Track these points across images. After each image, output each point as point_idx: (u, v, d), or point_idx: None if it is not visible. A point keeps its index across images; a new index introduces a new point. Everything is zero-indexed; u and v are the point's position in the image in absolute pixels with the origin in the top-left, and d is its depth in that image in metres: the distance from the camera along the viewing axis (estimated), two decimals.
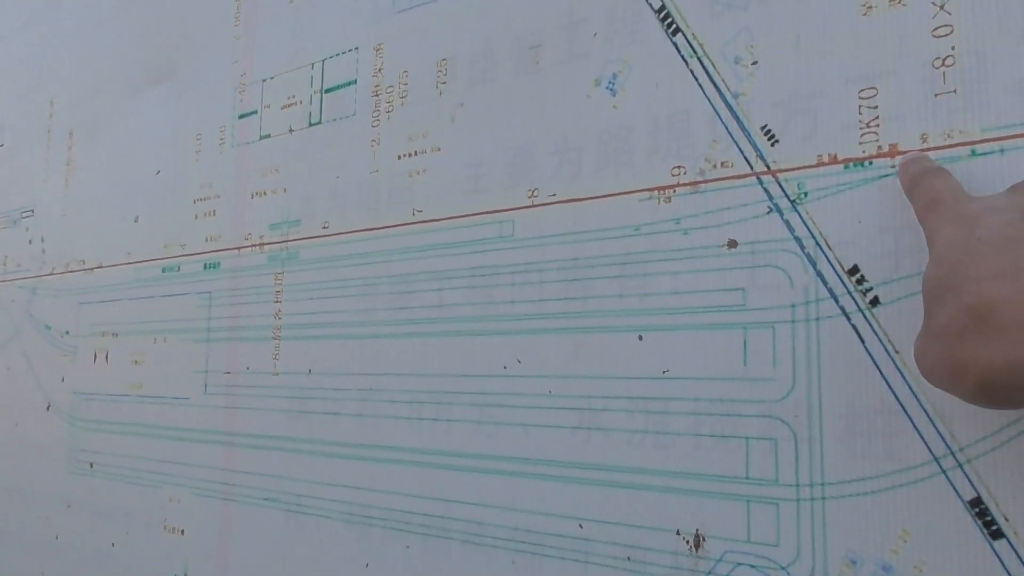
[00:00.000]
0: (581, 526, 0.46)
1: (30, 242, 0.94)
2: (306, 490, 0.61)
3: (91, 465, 0.81)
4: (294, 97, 0.68)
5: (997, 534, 0.34)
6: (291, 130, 0.67)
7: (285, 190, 0.67)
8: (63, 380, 0.86)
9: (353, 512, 0.57)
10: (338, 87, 0.64)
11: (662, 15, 0.47)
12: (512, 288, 0.51)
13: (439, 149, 0.57)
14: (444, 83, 0.57)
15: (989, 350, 0.26)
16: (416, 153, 0.58)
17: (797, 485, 0.39)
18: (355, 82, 0.63)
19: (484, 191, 0.54)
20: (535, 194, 0.51)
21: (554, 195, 0.50)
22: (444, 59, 0.57)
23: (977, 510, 0.34)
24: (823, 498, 0.38)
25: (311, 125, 0.66)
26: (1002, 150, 0.35)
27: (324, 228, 0.63)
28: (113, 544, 0.77)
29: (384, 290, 0.58)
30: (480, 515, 0.50)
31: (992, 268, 0.27)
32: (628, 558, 0.44)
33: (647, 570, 0.43)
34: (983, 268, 0.27)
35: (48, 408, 0.88)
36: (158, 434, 0.74)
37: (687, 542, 0.42)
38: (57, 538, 0.84)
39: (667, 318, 0.44)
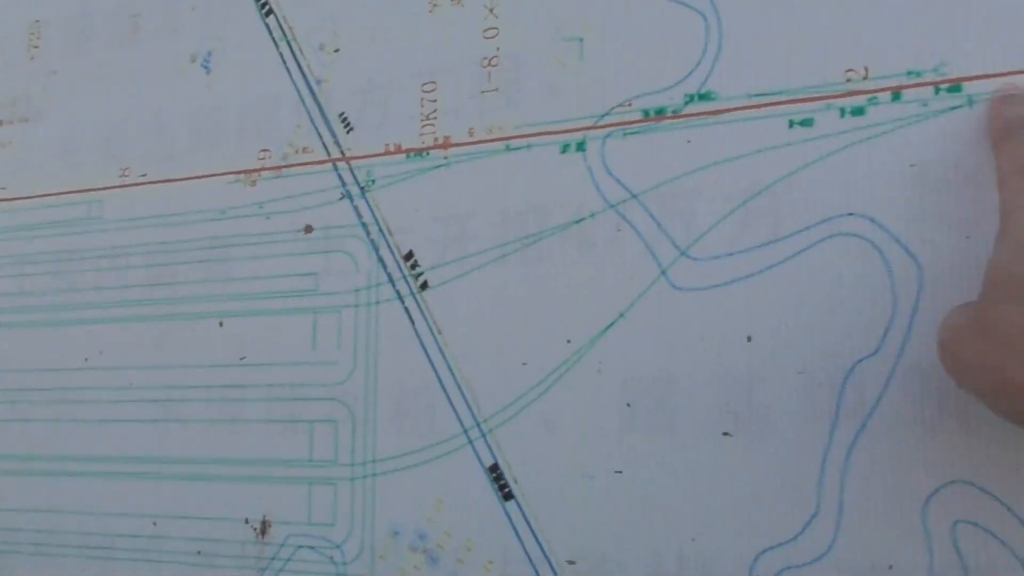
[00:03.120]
0: (155, 524, 0.51)
1: None
2: None
3: None
4: None
5: (508, 496, 0.43)
6: None
7: None
8: None
9: None
10: None
11: None
12: (97, 274, 0.55)
13: (27, 120, 0.60)
14: (36, 47, 0.61)
15: None
16: (1, 123, 0.61)
17: (352, 464, 0.47)
18: None
19: (75, 168, 0.57)
20: (127, 173, 0.56)
21: (145, 175, 0.55)
22: (38, 20, 0.61)
23: (494, 475, 0.44)
24: (374, 475, 0.46)
25: None
26: (529, 146, 0.45)
27: None
28: None
29: None
30: (52, 523, 0.54)
31: None
32: (199, 552, 0.50)
33: (215, 562, 0.49)
34: None
35: None
36: None
37: (255, 530, 0.49)
38: None
39: (246, 303, 0.51)
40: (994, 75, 0.38)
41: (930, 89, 0.39)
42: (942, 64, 0.39)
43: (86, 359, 0.55)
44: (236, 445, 0.50)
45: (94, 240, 0.56)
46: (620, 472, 0.41)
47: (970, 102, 0.38)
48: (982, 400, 0.31)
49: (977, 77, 0.38)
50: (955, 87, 0.38)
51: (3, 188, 0.60)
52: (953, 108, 0.38)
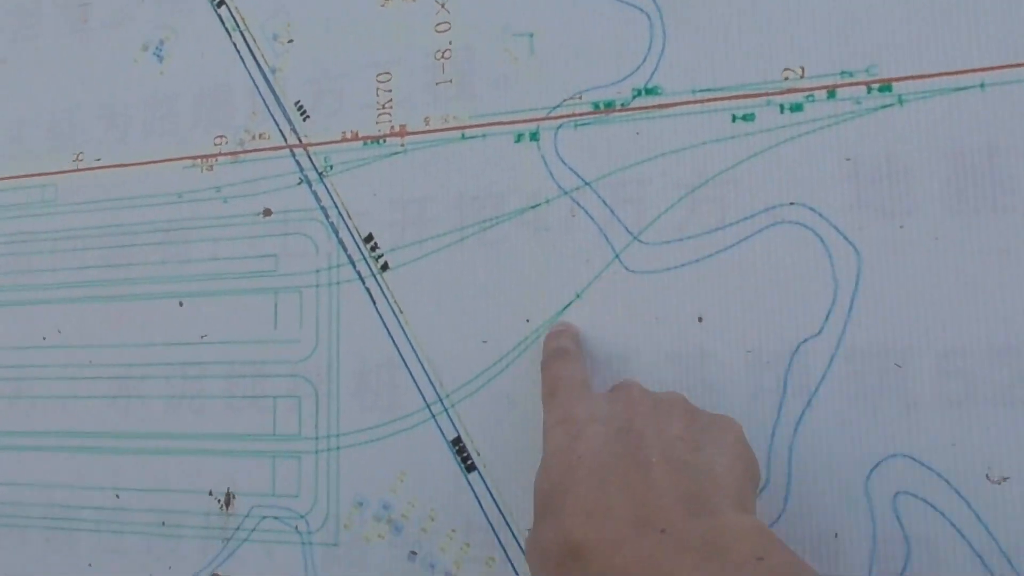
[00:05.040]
0: (118, 496, 0.43)
1: None
2: None
3: None
4: None
5: (471, 467, 0.37)
6: None
7: None
8: None
9: None
10: None
11: None
12: (53, 256, 0.46)
13: None
14: None
15: None
16: None
17: (316, 438, 0.40)
18: None
19: (26, 153, 0.48)
20: (80, 158, 0.46)
21: (99, 160, 0.46)
22: None
23: (457, 448, 0.37)
24: (338, 448, 0.39)
25: None
26: (484, 135, 0.39)
27: None
28: None
29: None
30: (15, 495, 0.45)
31: (586, 504, 0.27)
32: (163, 523, 0.42)
33: (180, 532, 0.41)
34: (579, 502, 0.27)
35: None
36: None
37: (219, 501, 0.41)
38: None
39: (206, 284, 0.43)
40: (922, 76, 0.33)
41: (863, 88, 0.34)
42: (873, 65, 0.34)
43: (44, 338, 0.45)
44: (197, 420, 0.42)
45: (49, 223, 0.46)
46: None
47: (900, 101, 0.33)
48: None
49: (906, 78, 0.33)
50: (886, 87, 0.34)
51: None
52: (884, 106, 0.34)
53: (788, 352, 0.33)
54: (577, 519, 0.27)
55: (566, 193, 0.37)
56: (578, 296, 0.36)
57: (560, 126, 0.38)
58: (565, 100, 0.38)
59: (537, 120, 0.38)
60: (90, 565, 0.43)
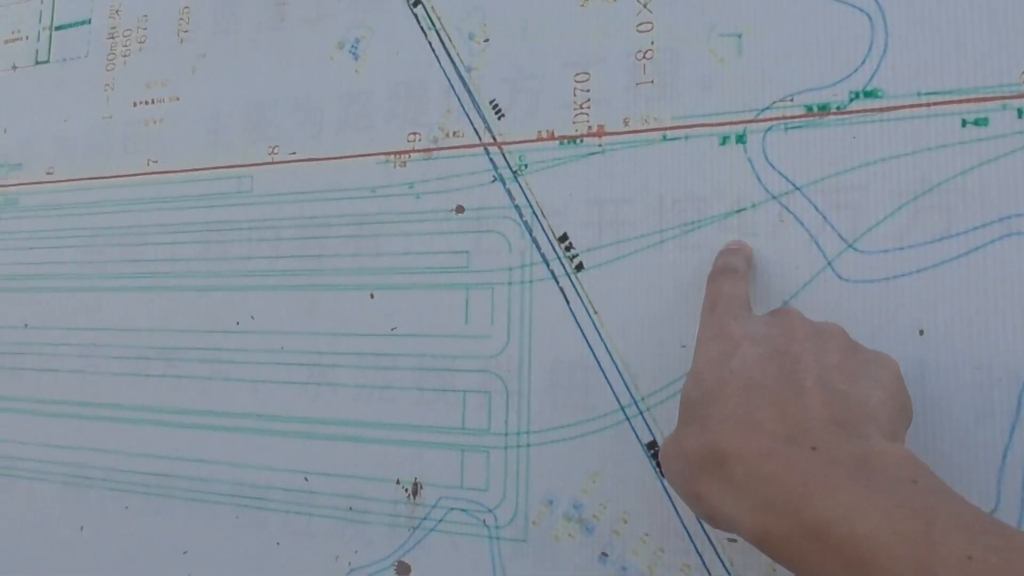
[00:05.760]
0: (307, 479, 0.45)
1: None
2: (19, 452, 0.55)
3: None
4: (19, 32, 0.60)
5: None
6: (14, 67, 0.60)
7: (5, 131, 0.59)
8: None
9: (70, 473, 0.52)
10: (69, 25, 0.58)
11: None
12: (248, 244, 0.49)
13: (178, 99, 0.53)
14: (186, 31, 0.53)
15: (718, 497, 0.27)
16: (153, 101, 0.54)
17: (506, 434, 0.41)
18: (89, 21, 0.57)
19: (224, 145, 0.51)
20: (275, 151, 0.49)
21: (294, 153, 0.48)
22: (186, 7, 0.53)
23: (652, 452, 0.38)
24: (528, 445, 0.40)
25: (37, 63, 0.59)
26: (687, 137, 0.39)
27: (48, 174, 0.57)
28: None
29: (113, 241, 0.53)
30: (205, 472, 0.48)
31: (734, 414, 0.27)
32: (350, 508, 0.44)
33: (366, 519, 0.43)
34: (728, 412, 0.28)
35: None
36: None
37: (406, 490, 0.43)
38: None
39: (398, 277, 0.44)
40: None
41: None
42: None
43: (237, 323, 0.48)
44: (387, 410, 0.44)
45: (244, 212, 0.49)
46: None
47: None
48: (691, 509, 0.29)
49: None
50: None
51: (155, 161, 0.53)
52: None
53: (1022, 372, 0.32)
54: (725, 427, 0.27)
55: (774, 197, 0.37)
56: (785, 303, 0.36)
57: (769, 128, 0.37)
58: (775, 102, 0.37)
59: (744, 122, 0.38)
60: (278, 544, 0.46)
